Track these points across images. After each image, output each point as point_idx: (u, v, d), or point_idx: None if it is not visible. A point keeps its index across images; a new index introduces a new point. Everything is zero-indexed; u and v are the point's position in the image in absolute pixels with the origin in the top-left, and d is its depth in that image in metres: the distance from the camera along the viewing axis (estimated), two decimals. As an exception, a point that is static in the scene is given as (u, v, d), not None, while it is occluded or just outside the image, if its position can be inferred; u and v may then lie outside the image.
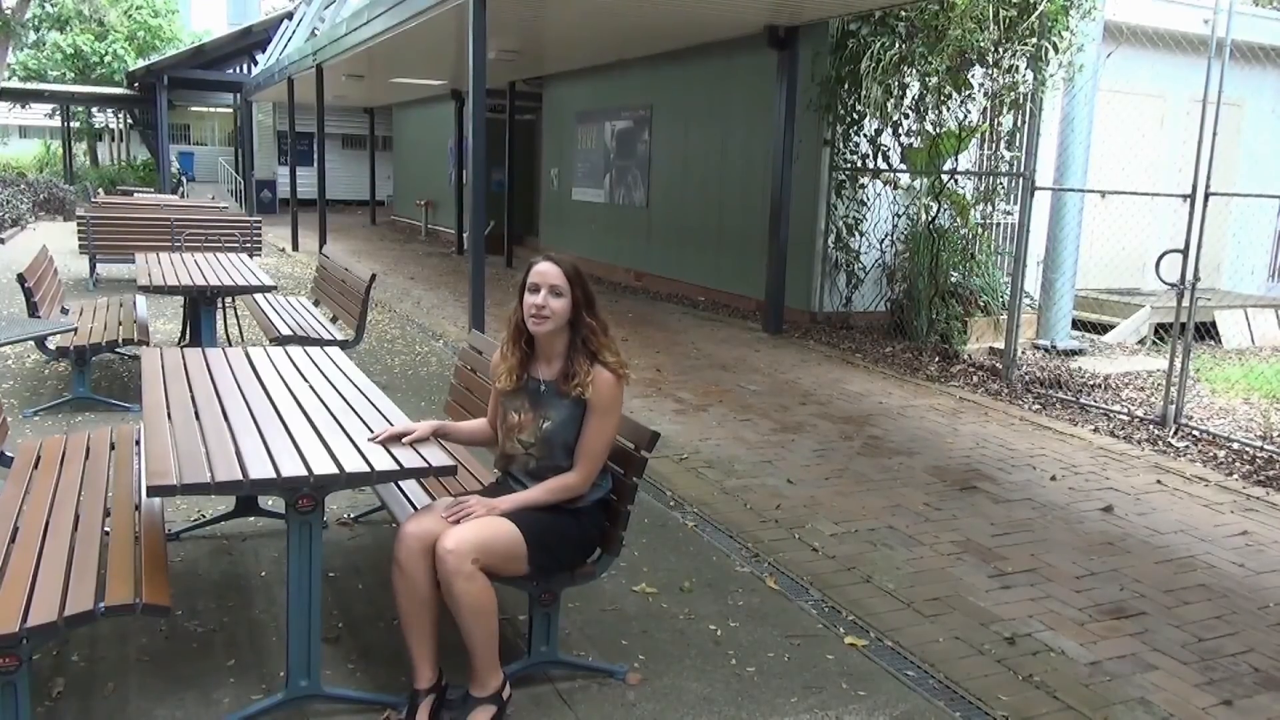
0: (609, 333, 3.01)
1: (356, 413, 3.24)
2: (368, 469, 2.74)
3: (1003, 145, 10.25)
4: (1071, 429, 6.57)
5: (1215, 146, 6.28)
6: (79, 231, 11.30)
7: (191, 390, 3.41)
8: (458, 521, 2.77)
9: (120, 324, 6.48)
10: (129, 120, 29.40)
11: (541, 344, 3.00)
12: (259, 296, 7.36)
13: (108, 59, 26.67)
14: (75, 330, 6.06)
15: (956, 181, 9.63)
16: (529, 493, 2.96)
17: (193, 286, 6.47)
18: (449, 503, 2.88)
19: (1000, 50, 9.01)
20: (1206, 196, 6.34)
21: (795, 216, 9.71)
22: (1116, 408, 7.06)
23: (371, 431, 3.03)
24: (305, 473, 2.65)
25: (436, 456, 2.87)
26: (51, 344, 5.90)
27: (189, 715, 2.85)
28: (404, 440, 2.94)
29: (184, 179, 25.47)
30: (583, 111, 14.52)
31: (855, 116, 9.70)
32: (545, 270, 2.92)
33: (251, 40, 23.04)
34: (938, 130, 9.39)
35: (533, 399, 2.99)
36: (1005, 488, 5.29)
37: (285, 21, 19.84)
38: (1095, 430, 6.56)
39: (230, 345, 6.24)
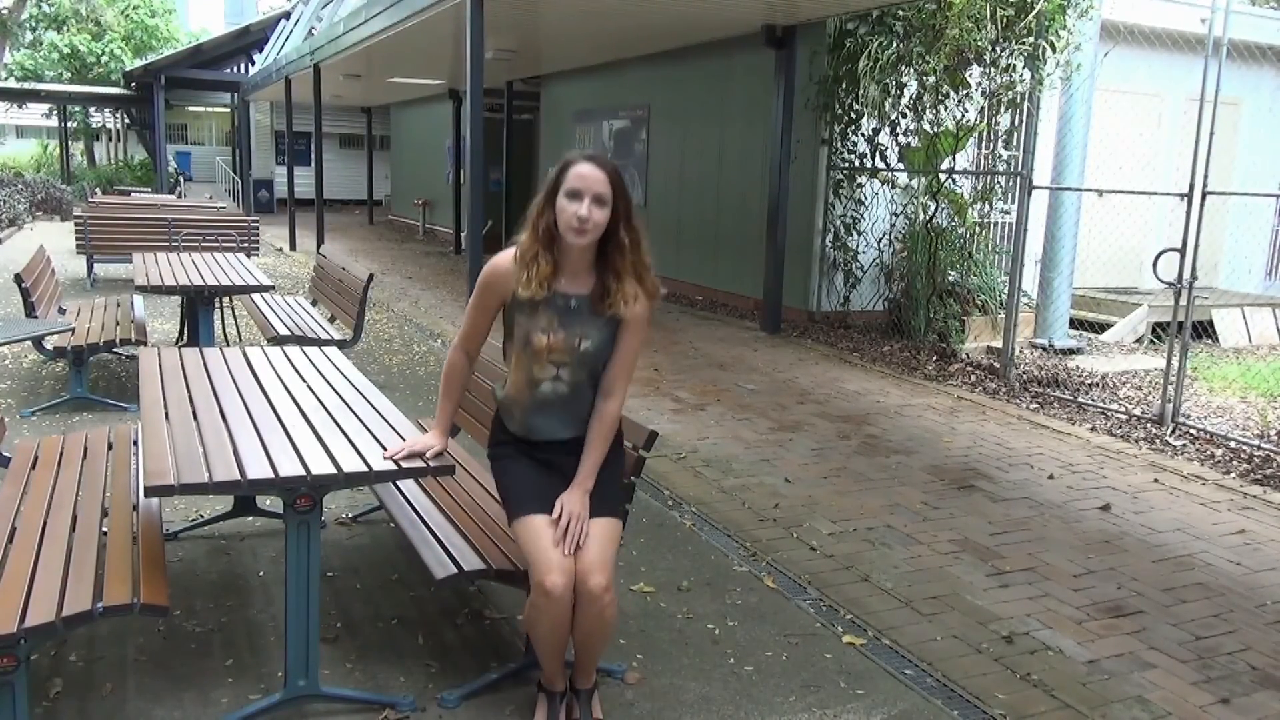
0: (644, 245, 2.71)
1: (354, 412, 3.24)
2: (365, 469, 2.74)
3: (1000, 144, 10.26)
4: (1069, 428, 6.57)
5: (1212, 145, 6.29)
6: (76, 231, 11.29)
7: (189, 390, 3.41)
8: (577, 546, 2.65)
9: (118, 324, 6.47)
10: (126, 120, 29.37)
11: (570, 254, 2.67)
12: (257, 296, 7.35)
13: (104, 59, 26.64)
14: (73, 330, 6.05)
15: (954, 181, 9.64)
16: (591, 457, 2.75)
17: (190, 286, 6.47)
18: (556, 537, 2.64)
19: (998, 49, 9.01)
20: (1204, 195, 6.34)
21: (793, 216, 9.71)
22: (1114, 406, 7.07)
23: (369, 431, 3.02)
24: (303, 472, 2.65)
25: (434, 456, 2.87)
26: (49, 344, 5.90)
27: (187, 715, 2.85)
28: (425, 457, 2.78)
29: (181, 179, 25.43)
30: (580, 111, 14.52)
31: (853, 116, 9.71)
32: (589, 175, 2.58)
33: (249, 40, 23.03)
34: (935, 129, 9.40)
35: (562, 317, 2.68)
36: (1003, 486, 5.30)
37: (283, 21, 19.83)
38: (1093, 429, 6.56)
39: (228, 345, 6.24)
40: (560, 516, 2.67)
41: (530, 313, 2.69)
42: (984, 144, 10.28)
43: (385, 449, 2.86)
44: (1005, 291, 8.31)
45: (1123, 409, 6.98)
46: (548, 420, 2.78)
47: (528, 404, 2.77)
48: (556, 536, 2.63)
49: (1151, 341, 9.72)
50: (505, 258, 2.74)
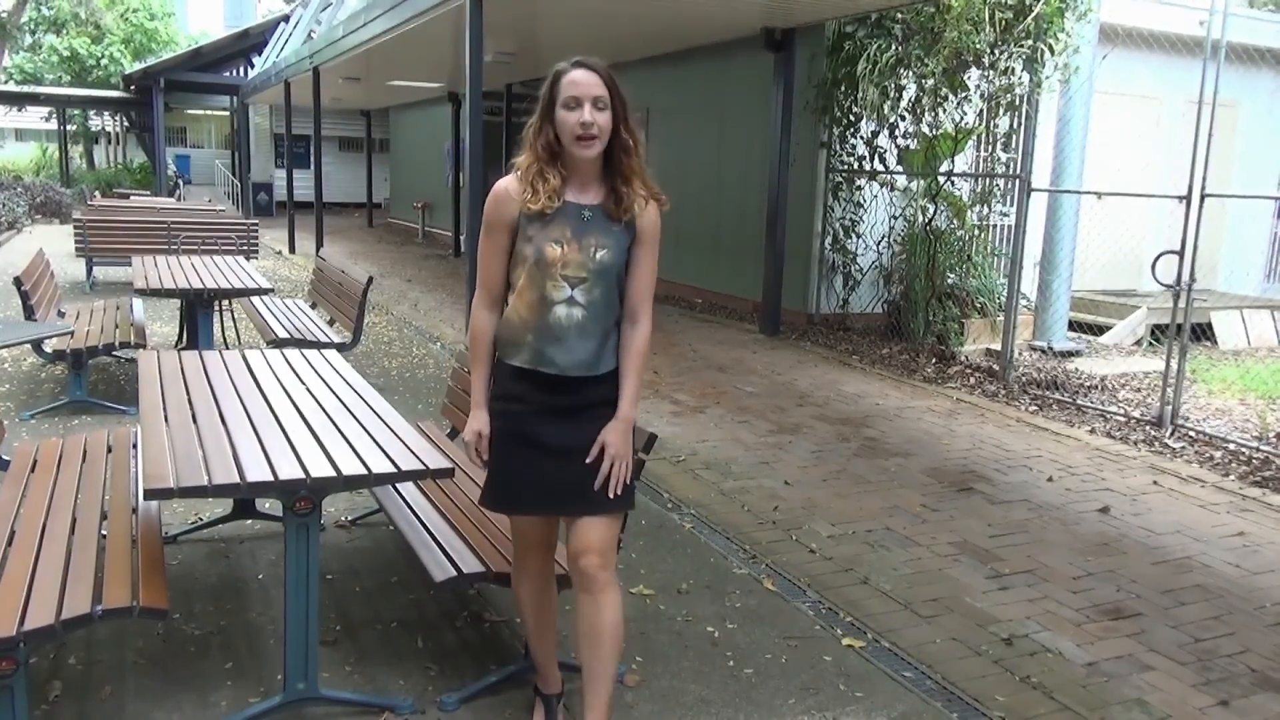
0: (642, 150, 2.57)
1: (353, 415, 3.24)
2: (365, 471, 2.74)
3: (999, 147, 10.26)
4: (1068, 430, 6.58)
5: (1211, 148, 6.30)
6: (75, 234, 11.30)
7: (189, 393, 3.41)
8: (619, 492, 2.53)
9: (117, 327, 6.48)
10: (125, 123, 29.38)
11: (578, 166, 2.51)
12: (256, 299, 7.35)
13: (104, 62, 26.62)
14: (72, 333, 6.05)
15: (953, 183, 9.64)
16: (630, 386, 2.58)
17: (189, 289, 6.47)
18: (600, 479, 2.52)
19: (996, 52, 9.02)
20: (1202, 198, 6.35)
21: (792, 218, 9.72)
22: (1113, 409, 7.07)
23: (368, 434, 3.03)
24: (302, 475, 2.65)
25: (434, 459, 2.87)
26: (48, 347, 5.90)
27: (186, 718, 2.85)
28: (482, 451, 2.62)
29: (180, 182, 25.45)
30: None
31: (852, 118, 9.72)
32: (583, 80, 2.44)
33: (248, 43, 23.05)
34: (934, 132, 9.40)
35: (576, 227, 2.51)
36: (1002, 489, 5.30)
37: (282, 24, 19.84)
38: (1092, 431, 6.57)
39: (227, 348, 6.24)
40: (602, 456, 2.53)
41: (541, 225, 2.50)
42: (983, 146, 10.29)
43: (387, 452, 2.86)
44: (1004, 294, 8.31)
45: (1122, 411, 6.98)
46: (561, 349, 2.51)
47: (539, 329, 2.51)
48: (599, 480, 2.52)
49: (1150, 344, 9.72)
50: (505, 181, 2.58)
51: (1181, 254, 6.44)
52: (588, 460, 2.53)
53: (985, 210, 9.78)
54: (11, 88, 25.80)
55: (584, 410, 2.57)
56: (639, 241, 2.58)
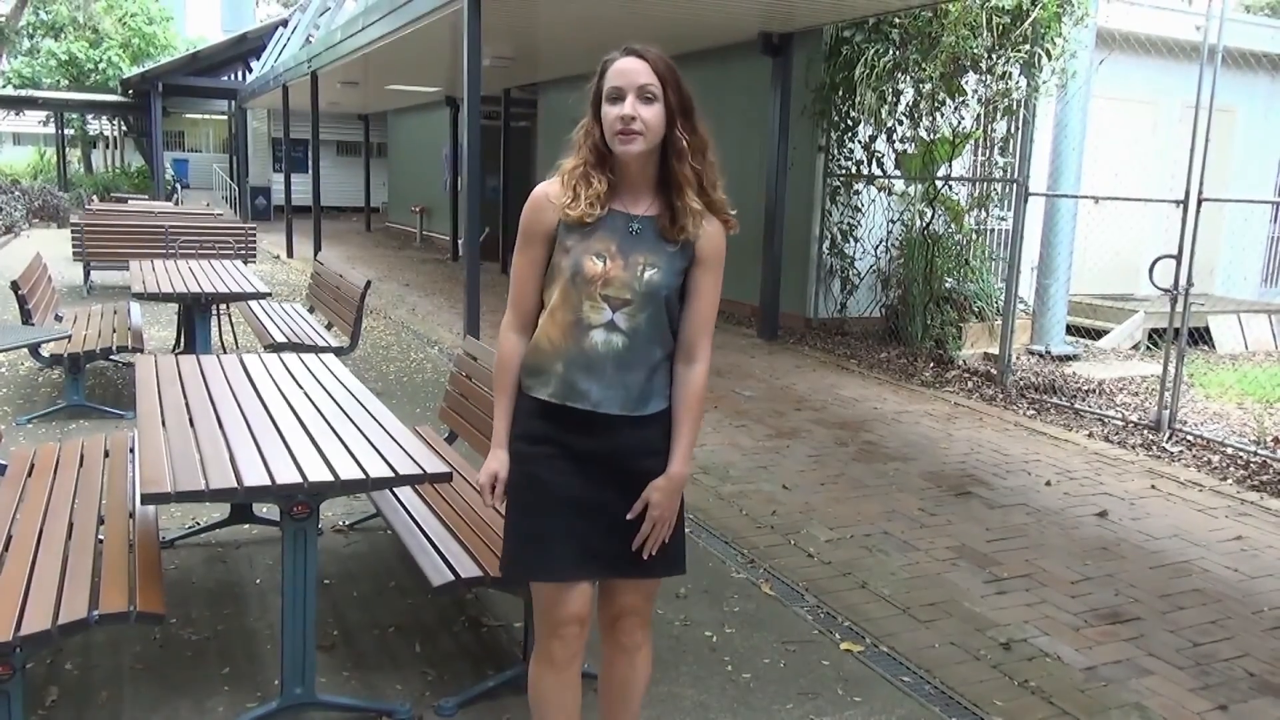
0: (712, 156, 2.23)
1: (351, 420, 3.24)
2: (362, 476, 2.73)
3: (996, 151, 10.28)
4: (1066, 434, 6.58)
5: (1208, 152, 6.31)
6: (73, 238, 11.28)
7: (186, 397, 3.40)
8: (659, 551, 2.22)
9: (114, 331, 6.47)
10: (123, 127, 29.37)
11: (627, 171, 2.17)
12: (254, 303, 7.34)
13: (102, 66, 26.61)
14: (69, 337, 6.04)
15: (950, 187, 9.66)
16: (685, 435, 2.22)
17: (187, 293, 6.46)
18: (640, 539, 2.20)
19: (994, 57, 9.04)
20: (1200, 202, 6.36)
21: (790, 222, 9.72)
22: (1111, 413, 7.07)
23: (366, 438, 3.02)
24: (300, 480, 2.65)
25: (432, 463, 2.87)
26: (45, 351, 5.89)
27: (183, 723, 2.84)
28: (498, 494, 2.27)
29: (178, 186, 25.41)
30: (578, 118, 14.52)
31: (849, 123, 9.73)
32: (629, 68, 2.11)
33: (246, 47, 23.03)
34: (932, 136, 9.42)
35: (622, 240, 2.16)
36: (1000, 493, 5.30)
37: (280, 28, 19.86)
38: (1090, 435, 6.57)
39: (225, 352, 6.24)
40: (645, 517, 2.19)
41: (582, 236, 2.15)
42: (980, 151, 10.31)
43: (384, 457, 2.86)
44: (1002, 298, 8.32)
45: (1119, 415, 6.99)
46: (595, 382, 2.15)
47: (571, 357, 2.15)
48: (636, 542, 2.21)
49: (1148, 348, 9.74)
50: (547, 184, 2.24)
51: (1179, 258, 6.45)
52: (629, 517, 2.20)
53: (983, 214, 9.80)
54: (9, 92, 25.80)
55: (621, 460, 2.19)
56: (699, 264, 2.21)
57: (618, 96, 2.11)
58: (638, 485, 2.19)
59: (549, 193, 2.21)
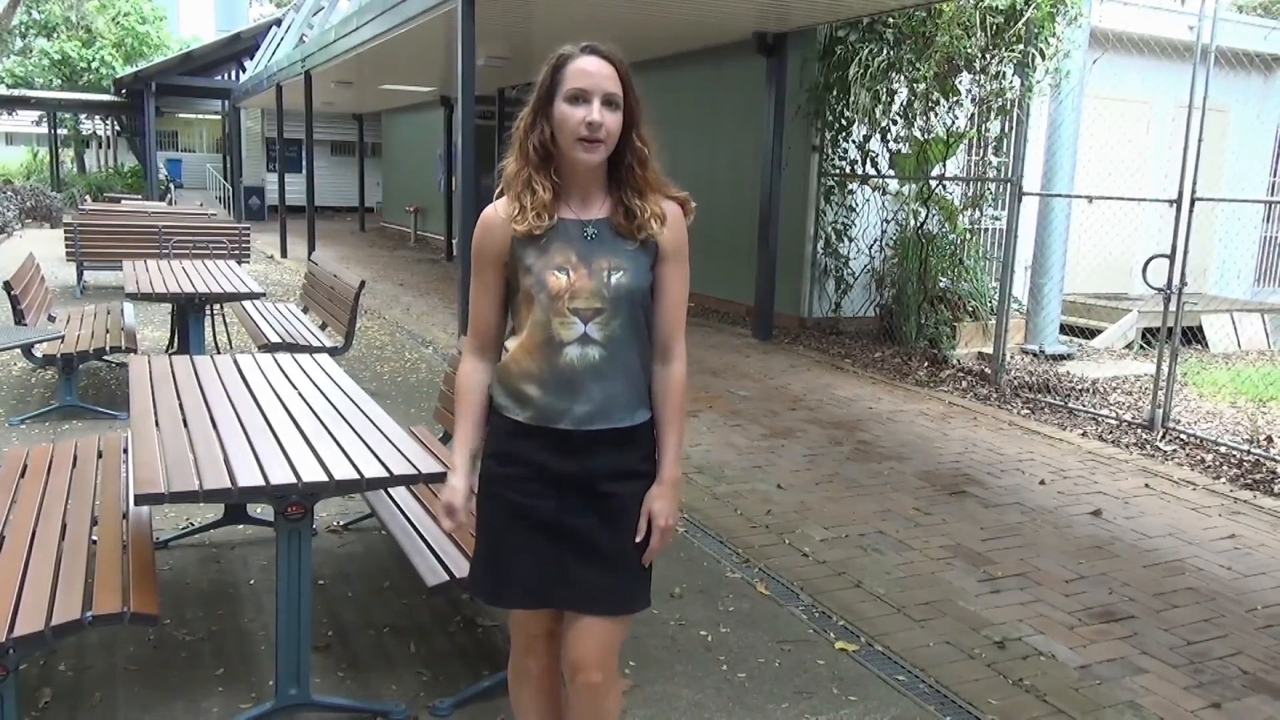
0: (654, 160, 2.16)
1: (346, 420, 3.23)
2: (357, 476, 2.73)
3: (990, 151, 10.30)
4: (1060, 433, 6.59)
5: (1201, 152, 6.32)
6: (66, 239, 11.26)
7: (180, 398, 3.40)
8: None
9: (108, 331, 6.45)
10: (116, 127, 29.30)
11: (576, 176, 2.09)
12: (247, 303, 7.33)
13: (95, 65, 26.56)
14: (62, 338, 6.03)
15: (944, 187, 9.67)
16: (672, 439, 2.15)
17: (181, 294, 6.45)
18: (650, 553, 2.15)
19: (987, 57, 9.05)
20: (1193, 201, 6.37)
21: (784, 222, 9.73)
22: (1105, 412, 7.09)
23: (360, 439, 3.02)
24: (294, 480, 2.64)
25: (426, 463, 2.86)
26: (38, 351, 5.88)
27: (177, 725, 2.83)
28: (457, 521, 2.20)
29: (172, 186, 25.37)
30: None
31: (844, 123, 9.74)
32: (595, 70, 2.03)
33: (240, 47, 23.00)
34: (926, 136, 9.43)
35: (580, 247, 2.06)
36: (994, 492, 5.31)
37: (274, 28, 19.83)
38: (1084, 434, 6.58)
39: (219, 352, 6.23)
40: (649, 528, 2.14)
41: (539, 252, 2.05)
42: (974, 150, 10.32)
43: (379, 457, 2.85)
44: (996, 297, 8.34)
45: (1113, 414, 7.00)
46: (576, 400, 2.06)
47: (545, 379, 2.07)
48: (646, 559, 2.18)
49: (1141, 347, 9.76)
50: (492, 206, 2.16)
51: (1172, 258, 6.46)
52: (638, 539, 2.13)
53: (977, 214, 9.81)
54: (2, 91, 25.73)
55: (598, 484, 2.10)
56: (663, 258, 2.12)
57: (580, 99, 2.01)
58: (615, 512, 2.11)
59: (498, 210, 2.13)
